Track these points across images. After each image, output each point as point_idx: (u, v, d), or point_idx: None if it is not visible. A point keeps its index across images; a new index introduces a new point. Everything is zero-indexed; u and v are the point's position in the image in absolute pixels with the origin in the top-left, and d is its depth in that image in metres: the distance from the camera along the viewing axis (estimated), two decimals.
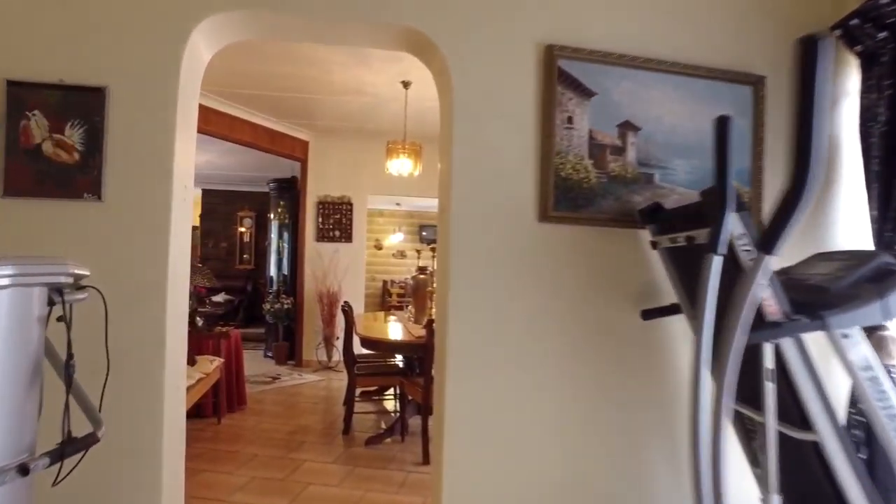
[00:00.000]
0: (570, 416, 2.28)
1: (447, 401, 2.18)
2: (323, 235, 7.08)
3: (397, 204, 13.94)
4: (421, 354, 3.90)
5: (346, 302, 5.28)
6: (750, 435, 1.98)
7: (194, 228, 13.30)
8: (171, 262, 2.04)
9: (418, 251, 5.59)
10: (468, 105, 2.26)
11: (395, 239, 14.10)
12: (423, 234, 14.59)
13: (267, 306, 7.16)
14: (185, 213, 2.27)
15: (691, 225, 1.78)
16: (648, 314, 2.29)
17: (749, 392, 1.67)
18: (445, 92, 2.37)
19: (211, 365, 4.08)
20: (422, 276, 4.91)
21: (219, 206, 11.87)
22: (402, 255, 14.55)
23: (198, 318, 4.84)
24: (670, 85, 2.39)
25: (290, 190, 7.50)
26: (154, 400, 1.98)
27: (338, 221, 7.12)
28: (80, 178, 1.97)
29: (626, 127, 2.36)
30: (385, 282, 13.90)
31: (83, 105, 1.98)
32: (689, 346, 2.27)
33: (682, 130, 2.40)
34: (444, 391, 2.18)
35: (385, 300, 13.24)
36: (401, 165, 4.93)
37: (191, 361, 3.29)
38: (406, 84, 4.97)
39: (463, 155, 2.25)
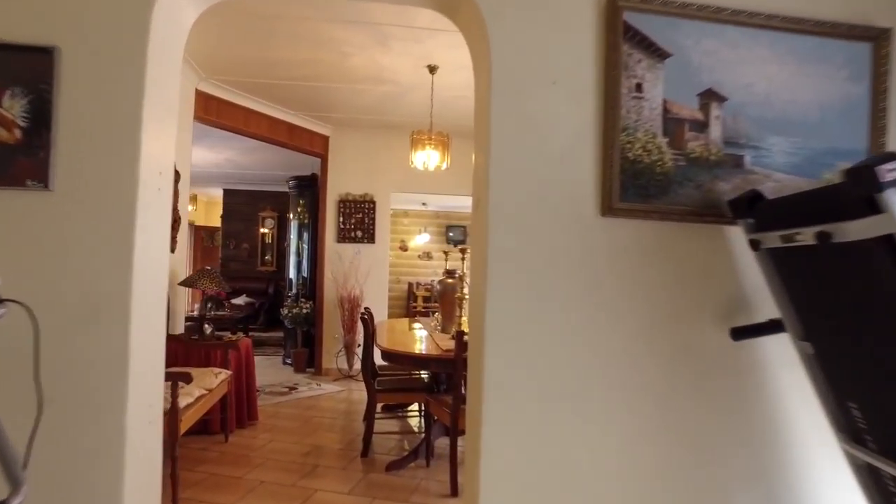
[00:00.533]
0: (635, 461, 1.80)
1: (484, 443, 1.72)
2: (344, 236, 6.69)
3: (423, 204, 13.54)
4: (449, 370, 3.45)
5: (366, 309, 4.85)
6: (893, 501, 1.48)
7: (215, 230, 13.14)
8: (138, 266, 1.62)
9: (446, 253, 5.12)
10: (510, 72, 1.80)
11: (420, 240, 13.70)
12: (450, 234, 14.15)
13: (285, 311, 6.80)
14: (162, 205, 1.86)
15: (823, 217, 1.30)
16: (740, 333, 1.80)
17: None
18: (481, 57, 1.91)
19: (216, 379, 3.70)
20: (449, 281, 4.47)
21: (240, 206, 11.61)
22: (428, 256, 14.14)
23: (206, 326, 4.47)
24: (765, 43, 1.89)
25: (311, 188, 7.13)
26: (111, 443, 1.56)
27: (359, 221, 6.72)
28: (21, 161, 1.57)
29: (710, 97, 1.87)
30: (410, 284, 13.50)
31: (27, 69, 1.58)
32: (793, 375, 1.77)
33: (779, 101, 1.90)
34: (480, 428, 1.73)
35: (410, 303, 12.84)
36: (427, 158, 4.49)
37: (187, 379, 2.90)
38: (432, 69, 4.53)
39: (504, 134, 1.79)
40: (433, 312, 5.74)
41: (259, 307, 10.56)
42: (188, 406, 3.11)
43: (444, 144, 4.44)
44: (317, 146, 6.59)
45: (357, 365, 6.53)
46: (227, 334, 4.88)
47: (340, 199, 6.71)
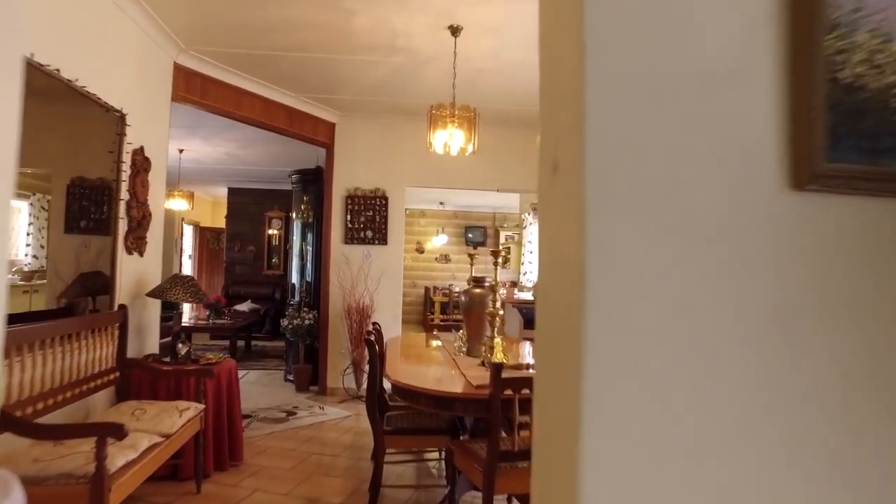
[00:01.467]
0: None
1: None
2: (352, 236, 5.88)
3: (441, 203, 12.71)
4: (482, 414, 2.60)
5: (374, 325, 4.03)
6: None
7: (221, 231, 12.45)
8: None
9: (471, 255, 4.23)
10: None
11: (438, 242, 12.88)
12: (469, 236, 13.30)
13: (285, 322, 6.00)
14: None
15: None
16: None
17: None
18: None
19: (179, 418, 2.89)
20: (477, 291, 3.63)
21: (246, 205, 10.88)
22: (445, 259, 13.30)
23: (180, 346, 3.68)
24: None
25: (315, 183, 6.34)
26: None
27: (370, 220, 5.91)
28: None
29: None
30: (427, 289, 12.68)
31: None
32: None
33: None
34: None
35: (427, 309, 12.01)
36: (448, 139, 3.64)
37: (117, 434, 2.09)
38: (455, 30, 3.70)
39: (609, 40, 0.94)
40: (456, 329, 4.89)
41: (265, 314, 9.80)
42: (130, 464, 2.31)
43: (470, 122, 3.59)
44: (321, 134, 5.79)
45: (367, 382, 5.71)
46: (210, 354, 4.08)
47: (348, 194, 5.90)
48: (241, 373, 6.66)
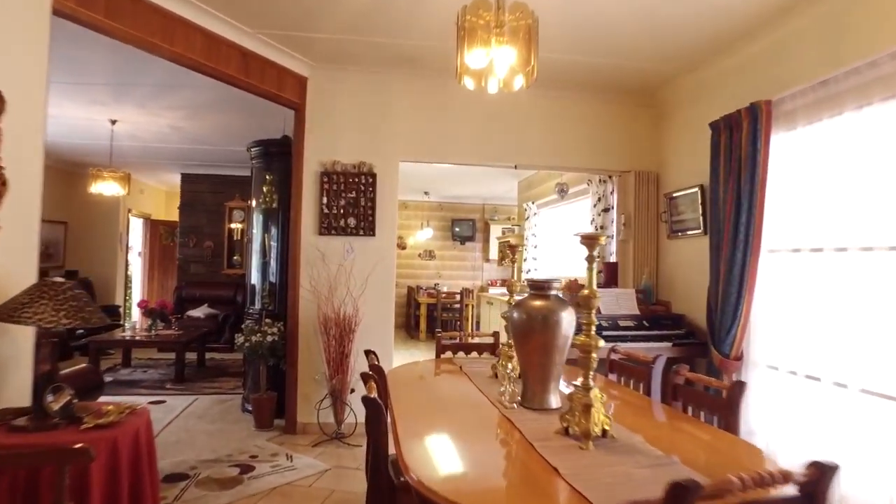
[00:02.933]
0: None
1: None
2: (329, 225, 4.42)
3: (425, 193, 11.25)
4: None
5: (371, 356, 2.63)
6: None
7: (174, 225, 10.78)
8: None
9: (512, 248, 2.79)
10: None
11: (422, 236, 11.44)
12: (456, 230, 11.89)
13: (240, 337, 4.49)
14: None
15: None
16: None
17: None
18: None
19: None
20: (538, 305, 2.21)
21: (202, 194, 9.26)
22: (430, 255, 11.87)
23: (48, 397, 2.18)
24: None
25: (282, 157, 4.85)
26: None
27: (352, 203, 4.46)
28: None
29: None
30: (411, 289, 11.24)
31: None
32: None
33: None
34: None
35: (412, 312, 10.56)
36: (488, 65, 2.21)
37: None
38: None
39: None
40: (474, 349, 3.50)
41: (223, 320, 8.23)
42: None
43: (529, 33, 2.18)
44: (289, 90, 4.31)
45: (351, 418, 4.27)
46: (110, 406, 2.56)
47: (324, 170, 4.44)
48: (187, 400, 5.23)
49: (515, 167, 4.80)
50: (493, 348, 3.41)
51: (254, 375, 4.63)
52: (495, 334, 3.45)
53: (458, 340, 3.46)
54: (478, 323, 10.68)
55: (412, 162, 4.71)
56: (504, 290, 10.94)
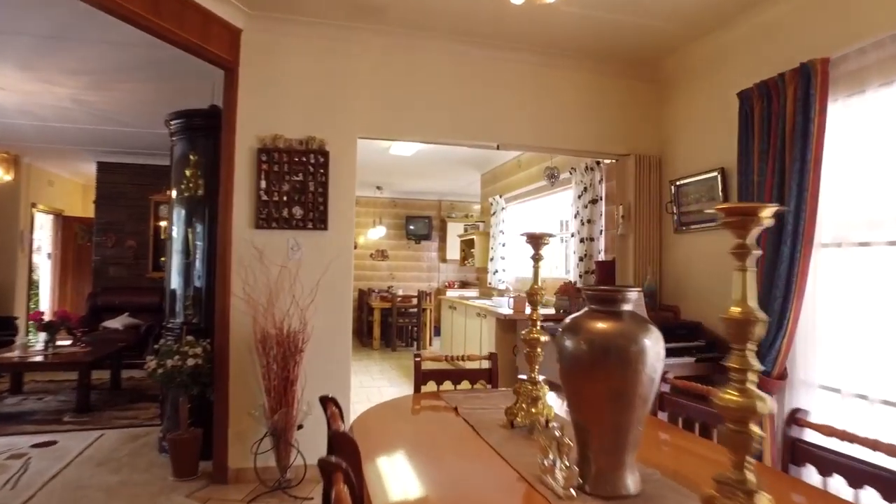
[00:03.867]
0: None
1: None
2: (269, 216, 3.45)
3: (378, 188, 10.29)
4: None
5: (330, 403, 1.71)
6: None
7: (89, 222, 9.36)
8: None
9: (534, 243, 1.89)
10: None
11: (374, 234, 10.48)
12: (411, 227, 10.98)
13: (153, 361, 3.43)
14: None
15: None
16: None
17: None
18: None
19: None
20: (603, 329, 1.38)
21: (123, 186, 7.98)
22: (382, 255, 10.92)
23: None
24: None
25: (209, 133, 3.82)
26: None
27: (299, 189, 3.50)
28: None
29: None
30: (363, 292, 10.24)
31: None
32: None
33: None
34: None
35: (363, 318, 9.57)
36: None
37: None
38: None
39: None
40: (472, 383, 2.64)
41: (147, 331, 7.02)
42: None
43: None
44: (215, 43, 3.31)
45: (298, 460, 3.31)
46: None
47: (263, 146, 3.46)
48: (87, 438, 4.04)
49: (498, 147, 3.96)
50: (489, 376, 2.55)
51: (172, 409, 3.59)
52: (492, 358, 2.58)
53: (444, 361, 2.57)
54: (436, 327, 9.82)
55: (374, 139, 3.80)
56: (464, 292, 10.14)
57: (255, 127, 3.47)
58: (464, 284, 10.99)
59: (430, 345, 9.20)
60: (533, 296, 1.93)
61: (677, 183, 3.92)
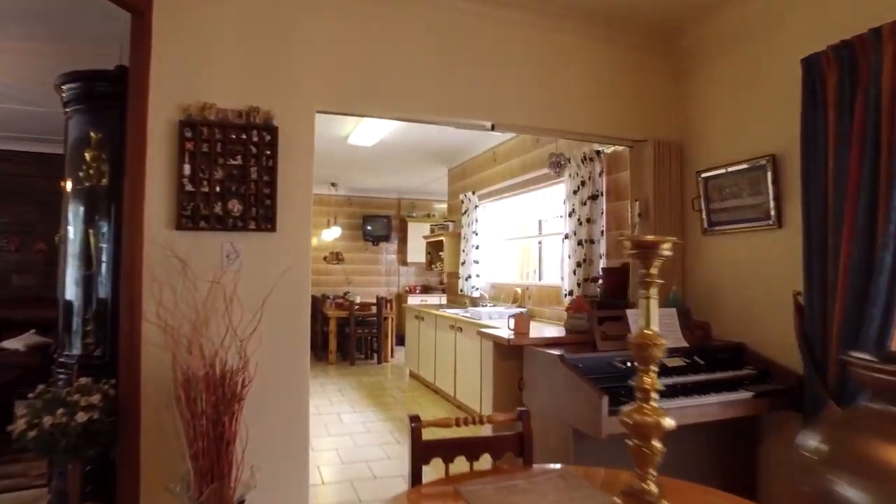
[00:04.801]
0: None
1: None
2: (195, 214, 2.52)
3: (332, 185, 9.33)
4: None
5: None
6: None
7: None
8: None
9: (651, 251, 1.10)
10: None
11: (328, 235, 9.52)
12: (368, 228, 10.06)
13: (21, 419, 2.43)
14: None
15: None
16: None
17: None
18: None
19: None
20: None
21: (27, 179, 6.73)
22: (337, 258, 9.96)
23: None
24: None
25: (114, 103, 2.85)
26: None
27: (238, 176, 2.59)
28: None
29: None
30: (316, 298, 9.25)
31: None
32: None
33: None
34: None
35: (318, 329, 8.59)
36: None
37: None
38: None
39: None
40: (495, 457, 1.79)
41: (54, 353, 5.84)
42: None
43: None
44: None
45: None
46: None
47: (187, 118, 2.53)
48: None
49: (492, 128, 3.16)
50: (518, 445, 1.73)
51: (59, 478, 2.60)
52: (522, 418, 1.76)
53: (453, 426, 1.73)
54: (399, 337, 8.95)
55: (337, 114, 2.92)
56: (427, 297, 9.31)
57: (175, 92, 2.53)
58: (426, 289, 10.18)
59: (392, 356, 8.33)
60: (645, 348, 1.14)
61: (706, 175, 3.23)
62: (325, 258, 9.78)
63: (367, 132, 5.46)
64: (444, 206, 10.36)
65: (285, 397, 2.60)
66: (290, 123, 2.69)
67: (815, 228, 2.50)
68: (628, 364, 2.66)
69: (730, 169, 3.08)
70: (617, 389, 2.42)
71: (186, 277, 2.42)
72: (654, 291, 1.22)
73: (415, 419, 1.67)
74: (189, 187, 2.52)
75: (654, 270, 1.20)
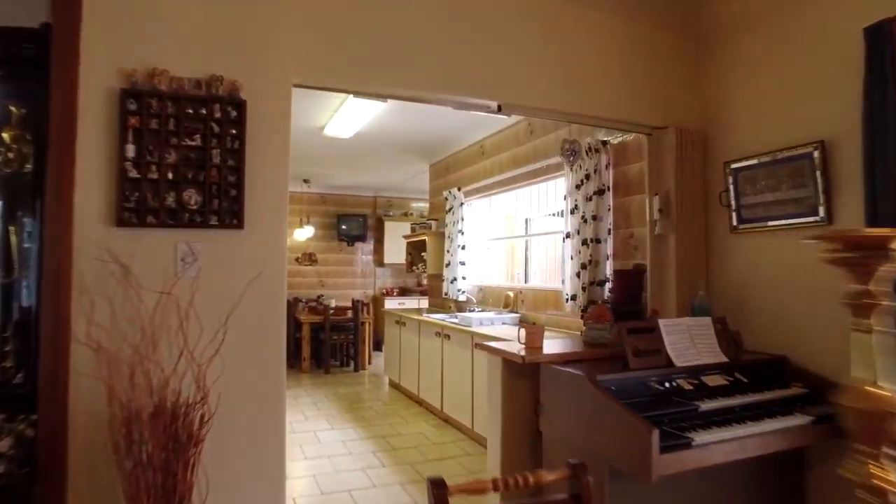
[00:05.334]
0: None
1: None
2: (141, 208, 2.00)
3: (305, 182, 8.76)
4: None
5: None
6: None
7: None
8: None
9: None
10: None
11: (301, 235, 8.95)
12: (343, 227, 9.51)
13: None
14: None
15: None
16: None
17: None
18: None
19: None
20: None
21: None
22: (310, 259, 9.39)
23: None
24: None
25: (40, 70, 2.30)
26: None
27: (194, 160, 2.08)
28: None
29: None
30: (288, 303, 8.66)
31: None
32: None
33: None
34: None
35: (290, 335, 8.00)
36: None
37: None
38: None
39: None
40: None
41: None
42: None
43: None
44: None
45: None
46: None
47: (131, 87, 2.00)
48: None
49: (499, 109, 2.71)
50: None
51: None
52: (579, 475, 1.31)
53: (490, 491, 1.27)
54: (377, 343, 8.44)
55: (318, 89, 2.42)
56: (405, 300, 8.82)
57: (116, 54, 2.01)
58: (404, 291, 9.69)
59: (370, 363, 7.81)
60: (882, 418, 0.70)
61: (736, 166, 2.85)
62: (297, 259, 9.19)
63: (345, 122, 4.95)
64: (422, 204, 9.89)
65: (256, 436, 2.10)
66: (261, 97, 2.19)
67: (883, 223, 2.12)
68: (666, 385, 2.24)
69: (766, 159, 2.70)
70: (659, 418, 2.00)
71: (129, 287, 1.90)
72: (883, 321, 0.80)
73: (437, 484, 1.20)
74: (133, 173, 1.99)
75: (879, 286, 0.74)
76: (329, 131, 5.27)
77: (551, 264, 4.98)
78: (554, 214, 5.38)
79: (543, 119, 2.99)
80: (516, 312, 4.80)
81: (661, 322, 2.42)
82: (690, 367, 2.35)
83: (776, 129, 2.69)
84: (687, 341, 2.43)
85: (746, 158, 2.80)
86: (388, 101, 4.54)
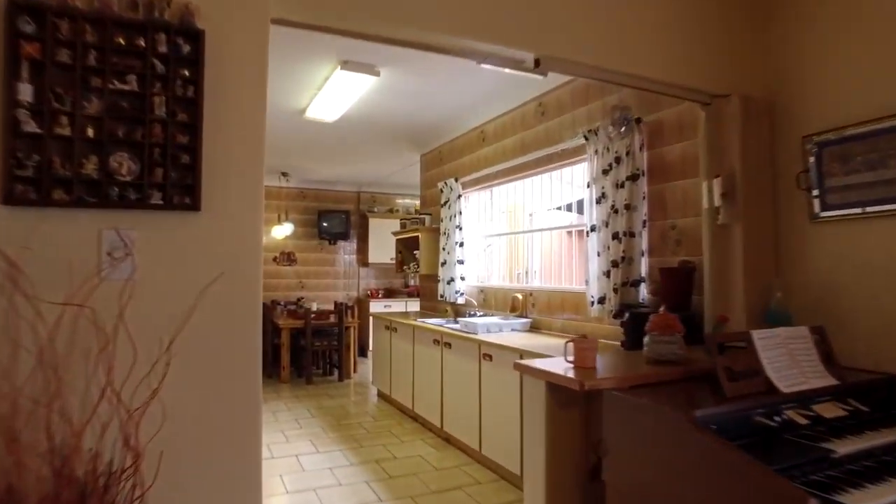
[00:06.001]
0: None
1: None
2: (42, 178, 1.35)
3: (283, 175, 8.06)
4: None
5: None
6: None
7: None
8: None
9: None
10: None
11: (279, 233, 8.24)
12: (324, 225, 8.82)
13: None
14: None
15: None
16: None
17: None
18: None
19: None
20: None
21: None
22: (289, 259, 8.68)
23: None
24: None
25: None
26: None
27: (124, 110, 1.44)
28: None
29: None
30: (265, 306, 7.93)
31: None
32: None
33: None
34: None
35: (268, 342, 7.28)
36: None
37: None
38: None
39: None
40: None
41: None
42: None
43: None
44: None
45: None
46: None
47: (23, 1, 1.35)
48: None
49: (536, 63, 2.11)
50: None
51: None
52: None
53: None
54: (361, 348, 7.77)
55: (304, 26, 1.79)
56: (391, 302, 8.19)
57: None
58: (390, 293, 9.05)
59: (355, 371, 7.14)
60: None
61: (820, 139, 2.30)
62: (274, 259, 8.48)
63: (329, 102, 4.31)
64: (409, 201, 9.26)
65: (222, 500, 1.46)
66: (226, 29, 1.55)
67: None
68: (775, 419, 1.67)
69: (864, 129, 2.16)
70: (787, 471, 1.42)
71: (17, 292, 1.25)
72: None
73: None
74: (31, 126, 1.34)
75: None
76: (311, 114, 4.62)
77: (555, 263, 4.41)
78: (560, 208, 4.81)
79: (586, 77, 2.41)
80: (526, 318, 4.21)
81: (755, 334, 1.85)
82: (797, 392, 1.78)
83: (875, 91, 2.14)
84: (787, 359, 1.86)
85: (836, 130, 2.25)
86: (381, 74, 3.93)
